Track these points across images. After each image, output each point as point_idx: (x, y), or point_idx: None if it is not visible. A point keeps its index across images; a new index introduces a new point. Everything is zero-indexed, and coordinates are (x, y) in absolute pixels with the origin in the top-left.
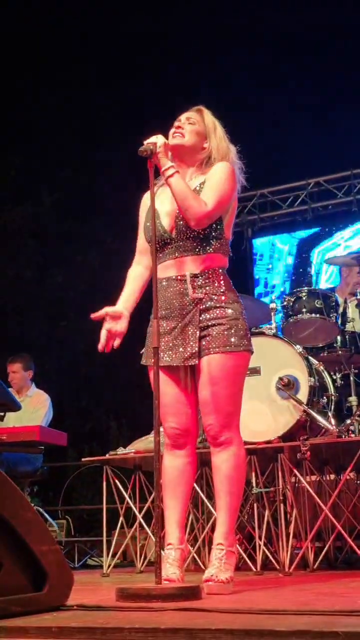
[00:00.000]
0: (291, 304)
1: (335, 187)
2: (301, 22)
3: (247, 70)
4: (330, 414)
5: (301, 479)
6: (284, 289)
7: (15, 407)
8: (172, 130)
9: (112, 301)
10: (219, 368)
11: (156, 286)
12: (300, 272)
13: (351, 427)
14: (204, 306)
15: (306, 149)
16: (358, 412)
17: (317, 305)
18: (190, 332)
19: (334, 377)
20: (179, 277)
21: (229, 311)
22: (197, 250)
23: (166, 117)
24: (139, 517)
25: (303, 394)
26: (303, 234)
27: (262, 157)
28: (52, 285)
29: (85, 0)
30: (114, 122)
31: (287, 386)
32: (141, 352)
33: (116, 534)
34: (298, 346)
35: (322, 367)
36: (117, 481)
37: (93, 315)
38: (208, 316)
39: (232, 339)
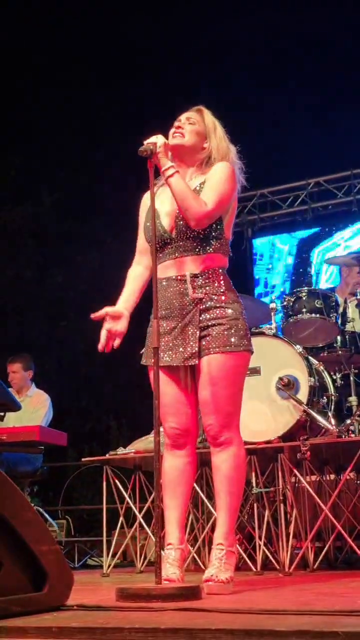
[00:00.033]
0: (291, 304)
1: (335, 187)
2: (301, 22)
3: (247, 70)
4: (330, 414)
5: (301, 479)
6: (284, 289)
7: (15, 407)
8: (172, 130)
9: (112, 301)
10: (219, 368)
11: (156, 286)
12: (300, 272)
13: (351, 427)
14: (204, 306)
15: (306, 149)
16: (358, 412)
17: (317, 305)
18: (190, 332)
19: (334, 377)
20: (179, 277)
21: (229, 311)
22: (197, 250)
23: (166, 117)
24: (139, 517)
25: (303, 394)
26: (303, 234)
27: (262, 157)
28: (52, 285)
29: (85, 0)
30: (113, 122)
31: (287, 386)
32: (141, 352)
33: (116, 534)
34: (298, 346)
35: (322, 367)
36: (117, 481)
37: (93, 315)
38: (208, 316)
39: (232, 339)
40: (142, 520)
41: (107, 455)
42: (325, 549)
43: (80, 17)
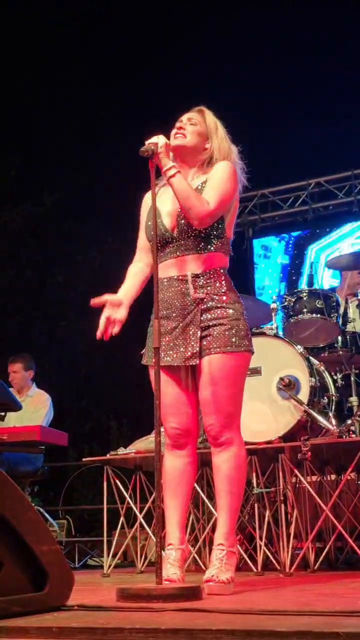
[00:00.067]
0: (292, 304)
1: (336, 187)
2: (302, 22)
3: (248, 70)
4: (331, 414)
5: (302, 479)
6: (279, 289)
7: (16, 407)
8: (174, 130)
9: None
10: (220, 368)
11: (157, 286)
12: (295, 272)
13: (352, 428)
14: (205, 306)
15: (307, 149)
16: (359, 413)
17: (318, 305)
18: (191, 332)
19: (335, 378)
20: (180, 277)
21: (230, 311)
22: (198, 249)
23: (167, 117)
24: (140, 517)
25: (304, 394)
26: (300, 232)
27: (263, 157)
28: (52, 285)
29: (85, 0)
30: (114, 122)
31: (288, 386)
32: (142, 352)
33: (117, 534)
34: (299, 346)
35: (322, 368)
36: (117, 481)
37: (93, 301)
38: (209, 316)
39: (233, 339)
40: (142, 521)
41: (107, 455)
42: (326, 549)
43: (81, 17)
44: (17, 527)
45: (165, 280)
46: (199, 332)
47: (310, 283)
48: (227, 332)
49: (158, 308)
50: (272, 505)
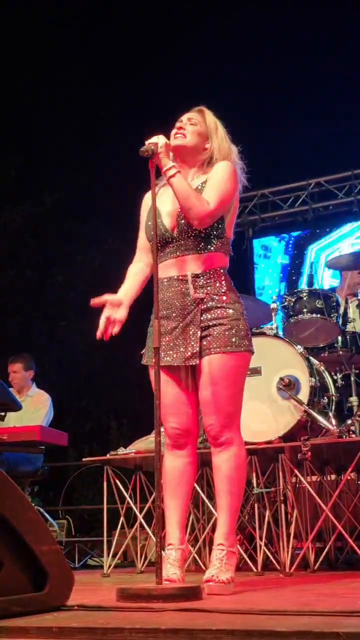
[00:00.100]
0: (292, 304)
1: (336, 187)
2: (302, 22)
3: (248, 70)
4: (331, 414)
5: (302, 479)
6: (279, 289)
7: (16, 406)
8: (174, 131)
9: None
10: (220, 368)
11: (157, 286)
12: (296, 272)
13: (352, 428)
14: (205, 306)
15: (307, 149)
16: (359, 413)
17: (318, 305)
18: (191, 332)
19: (335, 378)
20: (180, 277)
21: (230, 311)
22: (198, 249)
23: (166, 117)
24: (140, 517)
25: (304, 394)
26: (300, 232)
27: (263, 157)
28: (52, 285)
29: (85, 0)
30: (114, 122)
31: (288, 386)
32: (141, 352)
33: (117, 534)
34: (299, 346)
35: (322, 368)
36: (117, 481)
37: (93, 301)
38: (209, 316)
39: (233, 339)
40: (142, 521)
41: (107, 455)
42: (326, 549)
43: (81, 17)
44: (17, 527)
45: (165, 280)
46: (199, 332)
47: (311, 283)
48: (227, 332)
49: (158, 308)
50: (272, 505)
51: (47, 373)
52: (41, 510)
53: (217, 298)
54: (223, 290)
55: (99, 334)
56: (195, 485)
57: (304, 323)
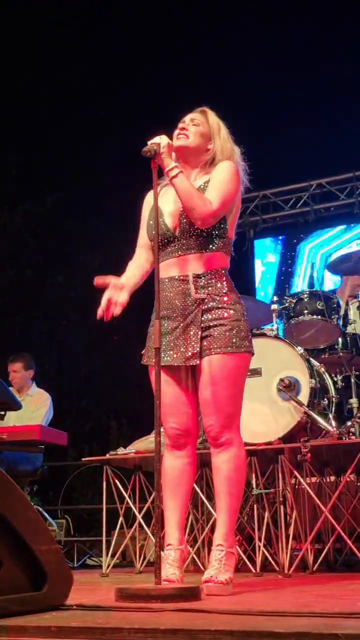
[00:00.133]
0: (292, 305)
1: (337, 188)
2: (303, 22)
3: (250, 70)
4: (331, 415)
5: (301, 480)
6: (271, 288)
7: (15, 406)
8: (177, 131)
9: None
10: (220, 368)
11: (158, 286)
12: (286, 271)
13: (352, 429)
14: (206, 306)
15: (309, 151)
16: (359, 414)
17: (318, 306)
18: (192, 333)
19: (335, 379)
20: (181, 277)
21: (231, 312)
22: (199, 248)
23: (168, 117)
24: (139, 517)
25: (304, 396)
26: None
27: (264, 158)
28: (52, 285)
29: (85, 0)
30: (115, 122)
31: (288, 387)
32: (142, 352)
33: (116, 534)
34: (299, 348)
35: (323, 369)
36: (117, 481)
37: (97, 280)
38: (210, 317)
39: (234, 340)
40: (141, 521)
41: (107, 455)
42: (325, 551)
43: (81, 16)
44: (17, 526)
45: (167, 280)
46: (199, 333)
47: (311, 285)
48: (227, 333)
49: (159, 308)
50: (272, 506)
51: (47, 373)
52: (40, 509)
53: (218, 299)
54: (224, 291)
55: (100, 312)
56: (195, 485)
57: (304, 324)
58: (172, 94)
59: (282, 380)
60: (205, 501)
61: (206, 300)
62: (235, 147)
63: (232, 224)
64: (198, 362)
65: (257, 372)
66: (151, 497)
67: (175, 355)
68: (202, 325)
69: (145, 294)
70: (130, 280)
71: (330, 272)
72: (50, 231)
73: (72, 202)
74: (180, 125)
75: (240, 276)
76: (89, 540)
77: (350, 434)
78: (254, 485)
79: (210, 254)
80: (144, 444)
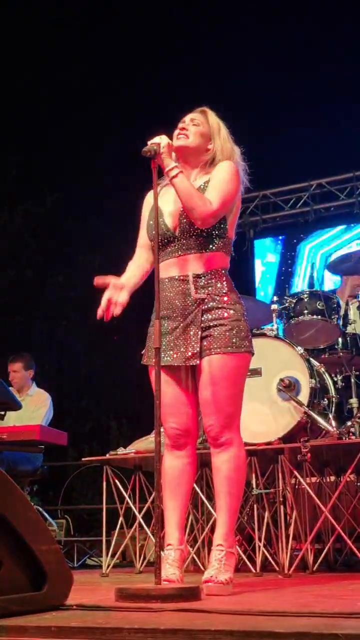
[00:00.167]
0: (292, 305)
1: (337, 188)
2: (305, 22)
3: (249, 70)
4: (331, 415)
5: (301, 480)
6: (271, 288)
7: (15, 406)
8: (177, 131)
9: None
10: (220, 368)
11: (158, 286)
12: (286, 271)
13: (352, 429)
14: (206, 306)
15: (309, 151)
16: (359, 414)
17: (318, 306)
18: (192, 333)
19: (335, 379)
20: (181, 277)
21: (231, 312)
22: (199, 248)
23: (168, 117)
24: (139, 517)
25: (304, 396)
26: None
27: (264, 158)
28: (52, 285)
29: (85, 0)
30: (115, 122)
31: (288, 387)
32: (142, 352)
33: (116, 534)
34: (299, 348)
35: (323, 369)
36: (117, 481)
37: (97, 279)
38: (210, 317)
39: (234, 340)
40: (141, 521)
41: (107, 455)
42: (325, 551)
43: (81, 17)
44: (17, 526)
45: (167, 280)
46: (199, 333)
47: (311, 285)
48: (227, 333)
49: (159, 308)
50: (272, 506)
51: (47, 373)
52: (40, 509)
53: (218, 299)
54: (224, 291)
55: (100, 312)
56: (195, 485)
57: (304, 324)
58: (172, 94)
59: (282, 380)
60: (205, 501)
61: (206, 300)
62: (236, 147)
63: (232, 224)
64: (198, 362)
65: (257, 372)
66: (151, 497)
67: (175, 355)
68: (202, 325)
69: (145, 294)
70: (130, 280)
71: (330, 272)
72: (50, 231)
73: (72, 202)
74: (180, 125)
75: (240, 276)
76: (89, 540)
77: (350, 434)
78: (254, 485)
79: (210, 253)
80: (144, 444)
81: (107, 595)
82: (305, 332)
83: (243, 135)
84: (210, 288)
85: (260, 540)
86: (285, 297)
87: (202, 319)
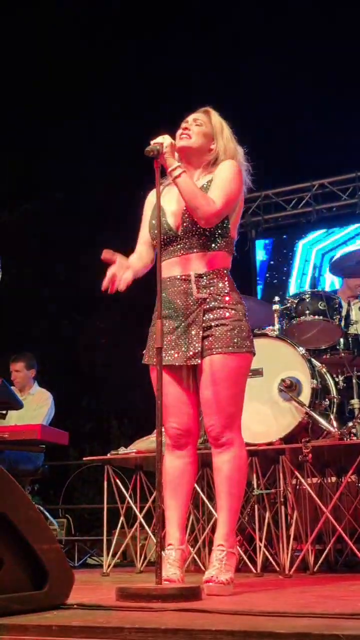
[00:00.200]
0: (294, 305)
1: (339, 189)
2: (306, 22)
3: (251, 70)
4: (332, 416)
5: (302, 481)
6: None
7: (17, 405)
8: (179, 131)
9: (114, 300)
10: (221, 368)
11: (160, 285)
12: (276, 268)
13: (353, 430)
14: (207, 306)
15: (311, 151)
16: None
17: (320, 307)
18: (193, 332)
19: (337, 380)
20: (183, 277)
21: (233, 312)
22: (202, 247)
23: (169, 117)
24: (140, 517)
25: (305, 396)
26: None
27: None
28: (53, 285)
29: (86, 1)
30: (115, 122)
31: (290, 388)
32: (143, 352)
33: (116, 534)
34: (301, 348)
35: (324, 370)
36: (118, 481)
37: (105, 253)
38: (211, 316)
39: (235, 340)
40: (142, 520)
41: (108, 455)
42: (326, 551)
43: (81, 16)
44: (18, 525)
45: (168, 279)
46: (201, 332)
47: (313, 285)
48: (229, 333)
49: (161, 308)
50: (272, 506)
51: (48, 373)
52: (41, 508)
53: (219, 298)
54: (226, 291)
55: (104, 284)
56: (196, 485)
57: (306, 325)
58: (172, 93)
59: (283, 380)
60: (206, 501)
61: (208, 299)
62: (239, 147)
63: (234, 223)
64: (199, 361)
65: (258, 373)
66: (152, 497)
67: (176, 355)
68: (204, 324)
69: (147, 294)
70: (135, 264)
71: (332, 273)
72: (50, 231)
73: (72, 202)
74: (183, 125)
75: (242, 276)
76: (89, 540)
77: (352, 434)
78: (255, 486)
79: (213, 253)
80: (145, 443)
81: (107, 594)
82: (306, 333)
83: (247, 135)
84: (212, 288)
85: (261, 540)
86: (287, 298)
87: (204, 318)
